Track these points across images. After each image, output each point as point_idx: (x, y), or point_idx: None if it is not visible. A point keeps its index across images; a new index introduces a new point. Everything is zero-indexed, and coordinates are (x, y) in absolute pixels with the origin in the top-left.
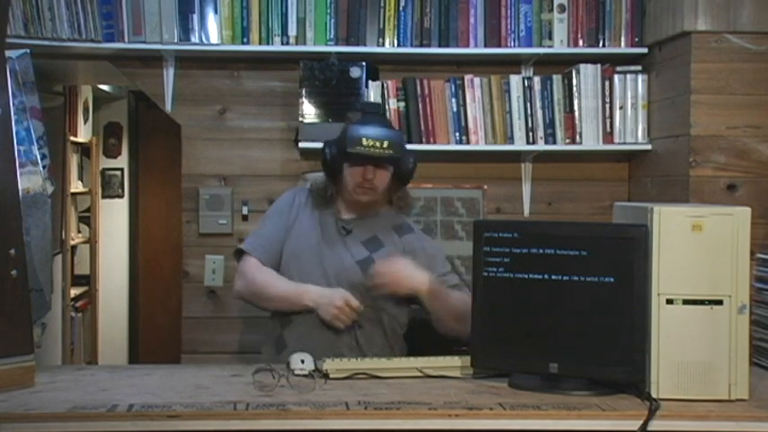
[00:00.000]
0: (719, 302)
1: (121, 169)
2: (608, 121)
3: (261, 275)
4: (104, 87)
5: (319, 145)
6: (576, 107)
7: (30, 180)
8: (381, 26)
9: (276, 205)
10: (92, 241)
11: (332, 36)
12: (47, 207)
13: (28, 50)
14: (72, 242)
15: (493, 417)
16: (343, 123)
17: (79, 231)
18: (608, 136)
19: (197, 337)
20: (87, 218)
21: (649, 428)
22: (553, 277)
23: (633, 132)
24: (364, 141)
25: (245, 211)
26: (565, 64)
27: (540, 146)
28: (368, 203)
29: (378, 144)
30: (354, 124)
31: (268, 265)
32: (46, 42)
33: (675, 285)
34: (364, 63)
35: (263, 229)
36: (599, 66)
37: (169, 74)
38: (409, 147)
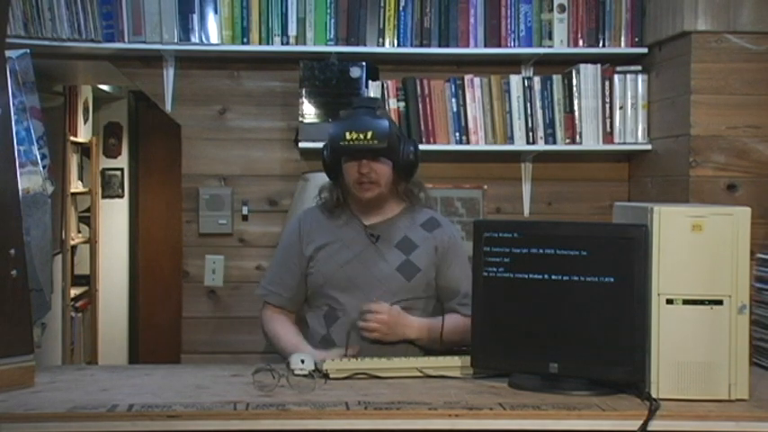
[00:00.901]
0: (719, 302)
1: (121, 169)
2: (608, 121)
3: (269, 326)
4: (104, 87)
5: (319, 145)
6: (576, 107)
7: (30, 180)
8: (381, 26)
9: (282, 240)
10: (92, 241)
11: (332, 36)
12: (47, 207)
13: (28, 50)
14: (72, 242)
15: (493, 417)
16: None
17: (79, 231)
18: (608, 136)
19: (197, 337)
20: (87, 218)
21: (649, 428)
22: (553, 277)
23: (633, 132)
24: (347, 135)
25: (245, 211)
26: (565, 64)
27: (540, 146)
28: (375, 201)
29: (362, 136)
30: (339, 120)
31: (285, 305)
32: (46, 42)
33: (675, 285)
34: (364, 63)
35: (272, 270)
36: (599, 66)
37: (169, 74)
38: None
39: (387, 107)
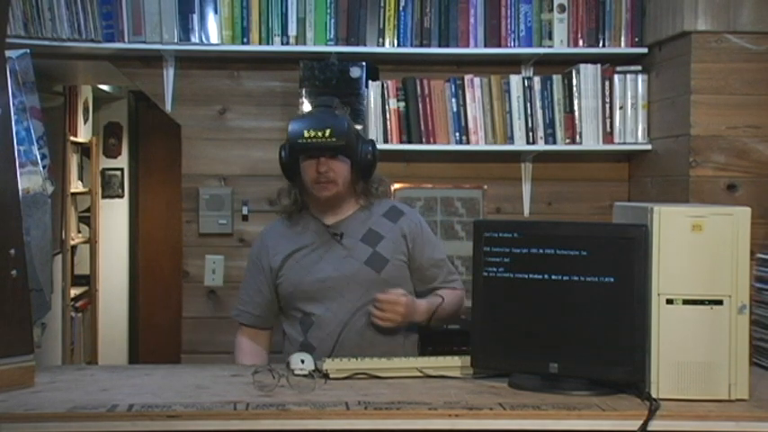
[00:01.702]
0: (719, 302)
1: (121, 169)
2: (608, 121)
3: (237, 353)
4: (104, 87)
5: None
6: (576, 107)
7: (30, 180)
8: (381, 26)
9: (249, 259)
10: (92, 241)
11: (332, 36)
12: (47, 207)
13: (28, 50)
14: (72, 242)
15: (493, 417)
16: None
17: (79, 231)
18: (608, 136)
19: (197, 337)
20: (87, 218)
21: (649, 428)
22: (553, 277)
23: (633, 132)
24: (305, 133)
25: (245, 211)
26: (565, 64)
27: (540, 146)
28: (333, 200)
29: (320, 134)
30: (297, 118)
31: (257, 324)
32: (46, 42)
33: (675, 285)
34: (364, 63)
35: (242, 290)
36: (599, 66)
37: (169, 74)
38: (410, 147)
39: (387, 107)
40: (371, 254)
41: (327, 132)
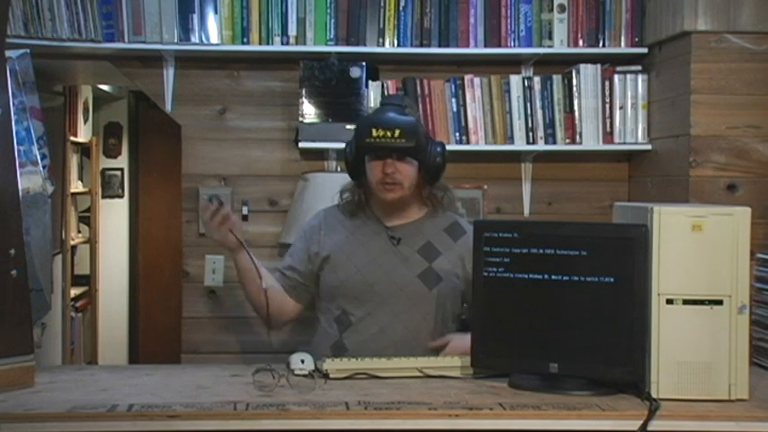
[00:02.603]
0: (719, 302)
1: (121, 169)
2: (608, 121)
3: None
4: (104, 87)
5: (319, 145)
6: (576, 107)
7: (30, 180)
8: (381, 26)
9: (302, 232)
10: (92, 241)
11: (332, 36)
12: (47, 207)
13: (28, 50)
14: (72, 242)
15: (493, 417)
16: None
17: (79, 231)
18: (608, 136)
19: (197, 337)
20: (87, 218)
21: (649, 428)
22: (553, 277)
23: (633, 132)
24: (374, 132)
25: (245, 211)
26: (565, 64)
27: (540, 146)
28: (398, 203)
29: (389, 134)
30: (366, 116)
31: (285, 286)
32: (46, 42)
33: (675, 285)
34: (364, 63)
35: (287, 257)
36: (599, 66)
37: (169, 74)
38: None
39: None
40: (426, 268)
41: (397, 132)
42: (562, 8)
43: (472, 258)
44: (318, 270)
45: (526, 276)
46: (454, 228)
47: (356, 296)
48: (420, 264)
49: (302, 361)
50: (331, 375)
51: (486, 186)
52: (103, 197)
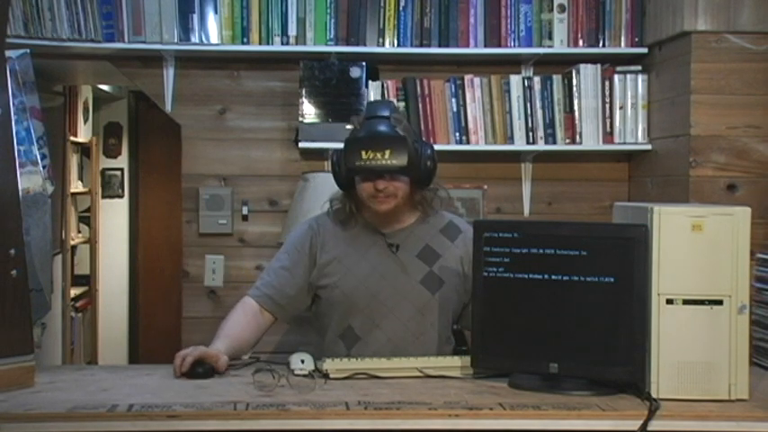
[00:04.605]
0: (719, 302)
1: (121, 169)
2: (608, 121)
3: (229, 317)
4: (104, 87)
5: (319, 145)
6: (575, 107)
7: (30, 180)
8: (381, 26)
9: (290, 244)
10: (92, 241)
11: (332, 36)
12: (47, 207)
13: (28, 50)
14: (72, 242)
15: (493, 417)
16: (349, 127)
17: (79, 231)
18: (608, 136)
19: (197, 337)
20: (87, 218)
21: (649, 428)
22: (553, 277)
23: (633, 132)
24: (363, 155)
25: (245, 211)
26: (565, 64)
27: (540, 146)
28: (392, 212)
29: (379, 156)
30: (353, 135)
31: (274, 312)
32: (46, 42)
33: (675, 285)
34: (364, 63)
35: (270, 274)
36: (599, 66)
37: (169, 74)
38: None
39: None
40: (427, 273)
41: (387, 153)
42: (562, 8)
43: (471, 258)
44: (316, 284)
45: (526, 276)
46: (450, 228)
47: (361, 310)
48: (421, 269)
49: (302, 361)
50: (331, 375)
51: (486, 186)
52: (103, 197)
